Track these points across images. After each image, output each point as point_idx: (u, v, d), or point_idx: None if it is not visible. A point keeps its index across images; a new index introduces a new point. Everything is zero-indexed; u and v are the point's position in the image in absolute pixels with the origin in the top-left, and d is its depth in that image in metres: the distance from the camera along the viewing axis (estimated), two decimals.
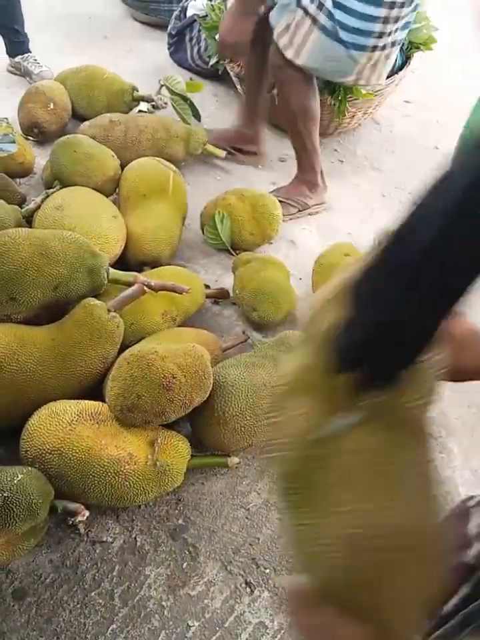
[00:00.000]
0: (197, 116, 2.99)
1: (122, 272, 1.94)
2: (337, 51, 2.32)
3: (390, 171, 3.01)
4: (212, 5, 3.24)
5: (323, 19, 2.25)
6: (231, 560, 1.58)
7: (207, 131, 2.88)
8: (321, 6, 2.24)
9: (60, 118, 2.96)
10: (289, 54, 2.32)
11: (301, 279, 2.38)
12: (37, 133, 2.91)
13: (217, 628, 1.45)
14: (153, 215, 2.29)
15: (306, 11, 2.27)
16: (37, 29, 3.73)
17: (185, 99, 2.99)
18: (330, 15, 2.24)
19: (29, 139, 2.82)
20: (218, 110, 3.43)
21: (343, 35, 2.27)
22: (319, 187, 2.74)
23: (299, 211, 2.71)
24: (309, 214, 2.74)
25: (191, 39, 3.60)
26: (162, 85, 3.07)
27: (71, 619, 1.45)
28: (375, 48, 2.33)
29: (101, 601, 1.49)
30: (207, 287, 2.25)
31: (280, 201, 2.57)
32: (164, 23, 4.03)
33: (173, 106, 3.02)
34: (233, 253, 2.42)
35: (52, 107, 2.90)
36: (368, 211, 2.78)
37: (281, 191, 2.72)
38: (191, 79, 3.59)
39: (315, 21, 2.26)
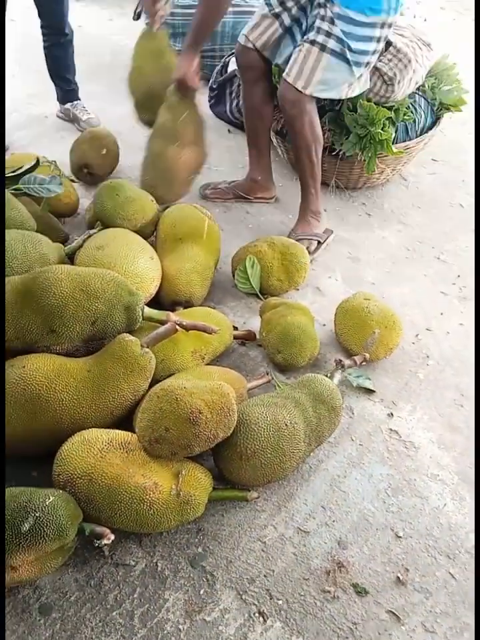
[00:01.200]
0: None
1: (156, 311, 2.06)
2: (342, 69, 2.61)
3: (415, 226, 3.12)
4: None
5: (332, 44, 2.54)
6: (246, 589, 1.65)
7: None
8: (329, 34, 2.53)
9: (110, 165, 3.18)
10: (299, 84, 2.60)
11: (324, 325, 2.48)
12: (86, 173, 3.11)
13: None
14: (188, 257, 2.41)
15: (312, 42, 2.56)
16: (87, 78, 3.96)
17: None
18: (339, 40, 2.52)
19: (74, 182, 2.99)
20: None
21: (349, 55, 2.56)
22: (321, 213, 2.96)
23: (319, 243, 2.90)
24: (326, 244, 2.94)
25: (230, 93, 3.80)
26: None
27: (92, 636, 1.53)
28: (368, 64, 2.68)
29: (121, 620, 1.56)
30: (235, 328, 2.36)
31: (300, 239, 2.80)
32: (204, 77, 4.23)
33: None
34: (261, 297, 2.53)
35: (104, 152, 3.12)
36: (392, 262, 2.89)
37: (298, 231, 2.91)
38: (228, 130, 3.79)
39: (323, 48, 2.55)
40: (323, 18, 2.53)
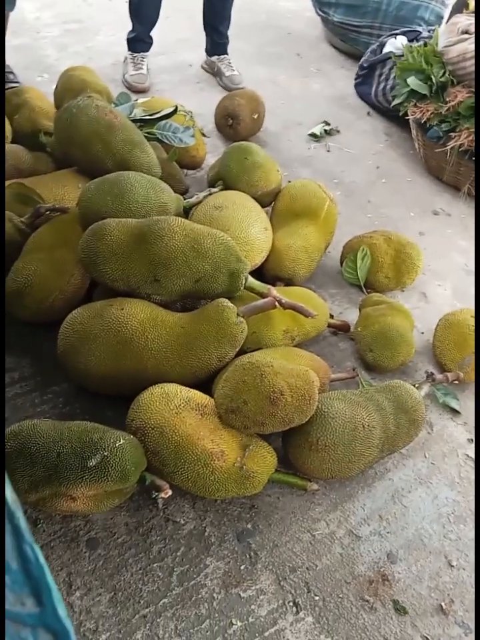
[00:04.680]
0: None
1: (258, 282, 2.04)
2: None
3: None
4: (411, 46, 3.30)
5: None
6: (286, 577, 1.65)
7: None
8: None
9: (251, 130, 3.19)
10: None
11: (423, 333, 2.41)
12: (228, 125, 3.15)
13: (257, 634, 1.53)
14: (300, 235, 2.38)
15: None
16: (238, 35, 3.94)
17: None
18: None
19: (205, 136, 2.99)
20: (386, 148, 3.49)
21: None
22: None
23: None
24: None
25: (380, 75, 3.68)
26: None
27: (131, 581, 1.58)
28: None
29: (160, 574, 1.60)
30: (331, 316, 2.32)
31: None
32: (357, 53, 4.14)
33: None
34: (364, 291, 2.48)
35: (256, 117, 3.15)
36: None
37: None
38: (368, 113, 3.68)
39: None
40: None
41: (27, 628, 0.50)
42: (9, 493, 0.54)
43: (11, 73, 3.28)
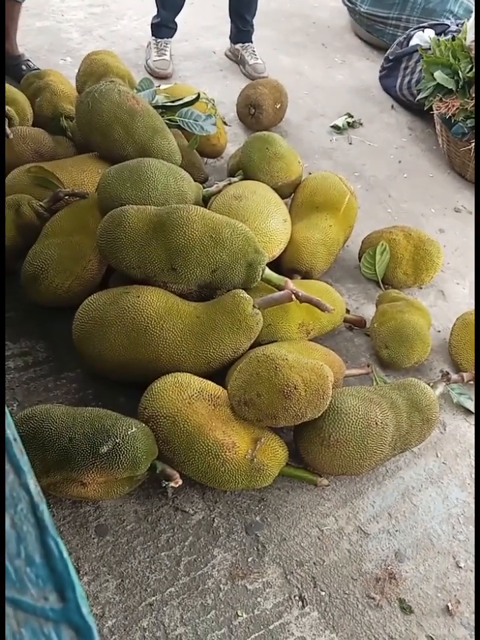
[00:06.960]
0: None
1: (275, 274, 2.03)
2: None
3: None
4: (439, 40, 3.25)
5: None
6: (293, 571, 1.64)
7: None
8: None
9: (272, 121, 3.16)
10: None
11: (439, 331, 2.39)
12: (250, 114, 3.11)
13: (262, 627, 1.53)
14: (319, 228, 2.36)
15: None
16: (263, 23, 3.90)
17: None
18: None
19: (226, 125, 2.97)
20: (409, 143, 3.45)
21: None
22: None
23: None
24: None
25: (405, 68, 3.62)
26: None
27: (138, 568, 1.58)
28: None
29: (168, 562, 1.60)
30: (347, 311, 2.30)
31: None
32: (382, 45, 4.09)
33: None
34: (382, 287, 2.46)
35: (278, 107, 3.11)
36: None
37: None
38: (392, 106, 3.64)
39: None
40: None
41: (50, 623, 0.50)
42: (33, 485, 0.54)
43: (29, 60, 3.22)
